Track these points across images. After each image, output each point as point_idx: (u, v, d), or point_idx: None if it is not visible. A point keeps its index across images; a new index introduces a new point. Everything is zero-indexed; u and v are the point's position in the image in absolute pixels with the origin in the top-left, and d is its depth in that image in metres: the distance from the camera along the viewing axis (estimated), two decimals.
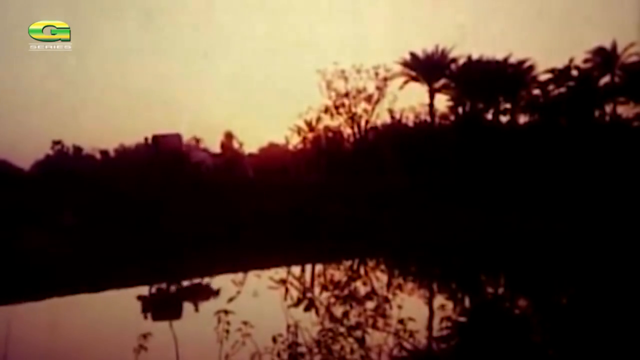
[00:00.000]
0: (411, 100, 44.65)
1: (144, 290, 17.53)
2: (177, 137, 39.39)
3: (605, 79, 39.98)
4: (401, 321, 6.36)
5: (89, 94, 55.54)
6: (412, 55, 43.03)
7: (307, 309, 6.75)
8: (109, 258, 21.24)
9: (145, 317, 13.90)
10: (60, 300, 15.42)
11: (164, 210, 26.50)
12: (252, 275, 18.54)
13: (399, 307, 6.86)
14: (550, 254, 21.85)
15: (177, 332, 5.97)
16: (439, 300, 15.52)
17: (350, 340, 6.34)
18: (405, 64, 43.04)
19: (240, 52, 60.83)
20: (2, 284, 16.46)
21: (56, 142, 47.19)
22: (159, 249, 22.72)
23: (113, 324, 12.36)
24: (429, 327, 10.92)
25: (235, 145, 52.49)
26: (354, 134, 43.07)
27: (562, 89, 39.80)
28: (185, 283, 19.06)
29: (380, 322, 6.64)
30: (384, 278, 18.49)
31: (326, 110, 41.62)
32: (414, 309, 10.57)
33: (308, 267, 21.51)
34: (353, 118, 42.07)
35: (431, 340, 10.23)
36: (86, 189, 30.87)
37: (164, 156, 36.12)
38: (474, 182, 32.56)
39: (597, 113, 39.97)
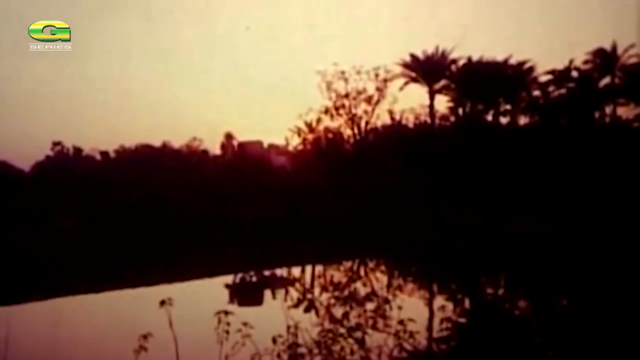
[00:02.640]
0: (411, 101, 44.91)
1: (227, 279, 18.73)
2: (260, 144, 41.68)
3: (606, 80, 40.03)
4: (401, 322, 6.36)
5: (89, 94, 55.72)
6: (412, 56, 43.05)
7: (307, 310, 6.75)
8: (108, 258, 21.24)
9: (232, 303, 14.86)
10: (60, 301, 15.41)
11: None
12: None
13: (399, 308, 6.85)
14: (550, 255, 21.85)
15: (177, 332, 5.97)
16: (439, 301, 15.53)
17: (351, 341, 6.34)
18: (405, 65, 43.06)
19: (240, 52, 60.95)
20: (2, 284, 16.45)
21: (56, 143, 47.28)
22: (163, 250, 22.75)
23: (113, 324, 12.36)
24: (429, 328, 10.93)
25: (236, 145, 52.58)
26: (354, 135, 43.13)
27: (562, 90, 39.83)
28: (266, 273, 20.34)
29: (381, 323, 6.63)
30: (384, 279, 18.53)
31: (326, 111, 41.71)
32: (414, 310, 10.56)
33: (308, 268, 21.52)
34: (353, 119, 42.12)
35: (431, 341, 10.23)
36: (87, 190, 30.93)
37: (251, 161, 38.90)
38: (474, 183, 32.56)
39: (597, 114, 40.00)
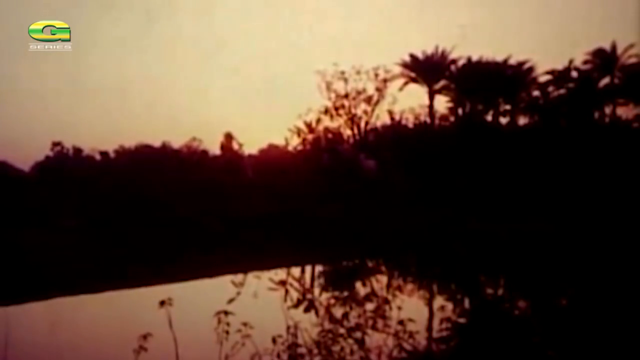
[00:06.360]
0: (411, 101, 44.92)
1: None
2: (349, 148, 41.93)
3: (605, 80, 40.06)
4: (401, 322, 6.36)
5: (89, 94, 55.60)
6: (412, 56, 43.07)
7: (306, 310, 6.74)
8: (108, 258, 21.23)
9: (326, 290, 15.90)
10: (60, 301, 15.41)
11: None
12: (252, 276, 18.52)
13: (399, 308, 6.86)
14: (550, 255, 21.85)
15: (177, 332, 5.98)
16: (438, 301, 15.55)
17: (350, 341, 6.34)
18: (405, 65, 43.08)
19: (241, 52, 60.90)
20: (2, 284, 16.45)
21: (56, 144, 47.21)
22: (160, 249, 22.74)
23: (113, 324, 12.36)
24: (429, 328, 10.94)
25: (235, 146, 52.62)
26: (353, 135, 43.11)
27: (562, 91, 39.85)
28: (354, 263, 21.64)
29: (380, 323, 6.63)
30: (384, 279, 18.51)
31: (326, 111, 41.70)
32: (413, 310, 10.56)
33: (308, 268, 21.52)
34: (353, 119, 42.13)
35: (431, 341, 10.24)
36: (86, 190, 30.92)
37: (343, 164, 39.28)
38: (473, 183, 32.56)
39: (596, 114, 40.02)
